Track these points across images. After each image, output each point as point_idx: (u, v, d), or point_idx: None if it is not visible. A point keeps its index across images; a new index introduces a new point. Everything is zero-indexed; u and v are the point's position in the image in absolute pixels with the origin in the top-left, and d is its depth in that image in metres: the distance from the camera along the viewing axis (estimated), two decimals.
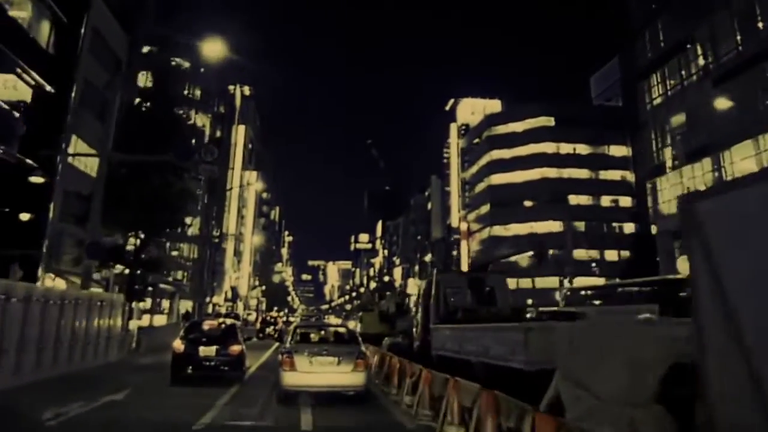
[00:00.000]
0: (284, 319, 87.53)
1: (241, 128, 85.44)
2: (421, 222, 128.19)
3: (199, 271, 65.87)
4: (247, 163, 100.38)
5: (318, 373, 10.99)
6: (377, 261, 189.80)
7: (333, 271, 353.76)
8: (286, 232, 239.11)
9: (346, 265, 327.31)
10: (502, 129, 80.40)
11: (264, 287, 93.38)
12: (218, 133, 74.02)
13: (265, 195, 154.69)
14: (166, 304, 43.26)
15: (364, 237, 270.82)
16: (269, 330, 43.72)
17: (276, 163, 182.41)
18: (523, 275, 73.26)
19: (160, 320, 31.22)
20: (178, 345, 14.46)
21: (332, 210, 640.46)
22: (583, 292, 31.85)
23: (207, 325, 16.73)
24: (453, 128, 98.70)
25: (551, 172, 75.23)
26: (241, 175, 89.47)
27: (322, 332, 14.99)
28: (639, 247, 58.44)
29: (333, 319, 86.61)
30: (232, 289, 62.22)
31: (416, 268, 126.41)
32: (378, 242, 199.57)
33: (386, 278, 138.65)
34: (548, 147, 76.04)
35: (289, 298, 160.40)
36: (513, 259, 50.52)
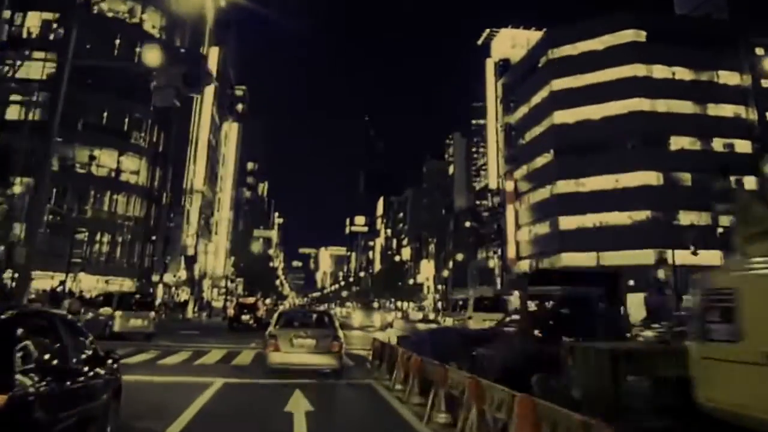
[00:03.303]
0: (270, 305, 66.61)
1: (214, 51, 63.43)
2: (436, 191, 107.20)
3: (140, 236, 44.66)
4: (224, 111, 78.57)
5: (298, 353, 11.72)
6: (378, 242, 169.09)
7: (325, 257, 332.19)
8: (276, 214, 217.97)
9: (340, 251, 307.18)
10: (568, 50, 59.23)
11: (241, 264, 71.36)
12: (178, 42, 52.14)
13: (250, 165, 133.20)
14: None
15: (360, 219, 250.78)
16: (246, 318, 31.50)
17: (263, 132, 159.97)
18: (589, 246, 52.66)
19: None
20: None
21: (324, 194, 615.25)
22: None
23: None
24: (489, 65, 77.48)
25: (643, 104, 54.32)
26: (213, 120, 67.60)
27: (304, 317, 15.20)
28: None
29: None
30: (188, 260, 40.94)
31: (431, 247, 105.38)
32: (379, 221, 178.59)
33: (396, 258, 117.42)
34: (637, 70, 55.01)
35: (278, 282, 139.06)
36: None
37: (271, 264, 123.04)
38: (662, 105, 54.46)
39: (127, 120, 45.68)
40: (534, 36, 75.25)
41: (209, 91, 61.30)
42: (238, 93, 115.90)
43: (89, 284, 41.25)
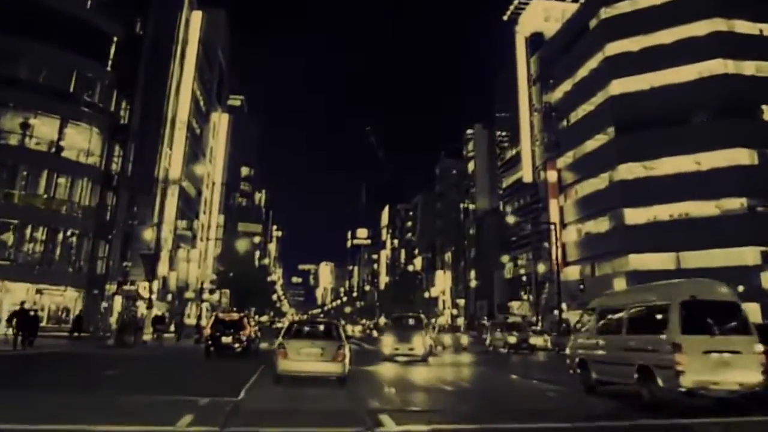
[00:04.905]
0: (266, 323, 55.75)
1: (197, 16, 52.83)
2: (450, 195, 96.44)
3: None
4: (211, 97, 67.99)
5: (306, 361, 12.43)
6: (383, 254, 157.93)
7: (326, 272, 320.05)
8: (275, 227, 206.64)
9: (341, 266, 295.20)
10: (626, 6, 48.87)
11: (231, 274, 59.81)
12: None
13: (245, 170, 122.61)
14: None
15: (362, 232, 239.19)
16: (227, 340, 21.17)
17: (259, 138, 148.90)
18: (665, 245, 41.86)
19: None
20: None
21: (323, 209, 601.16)
22: None
23: None
24: (519, 40, 67.20)
25: (725, 67, 43.72)
26: (195, 99, 56.90)
27: (312, 328, 15.33)
28: None
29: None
30: (150, 262, 30.33)
31: (447, 256, 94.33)
32: (384, 232, 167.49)
33: (410, 267, 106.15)
34: (716, 25, 44.50)
35: (275, 297, 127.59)
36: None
37: (269, 278, 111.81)
38: (749, 67, 43.92)
39: (74, 79, 34.93)
40: (570, 8, 65.03)
41: (190, 59, 50.74)
42: (236, 103, 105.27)
43: (17, 295, 30.32)
